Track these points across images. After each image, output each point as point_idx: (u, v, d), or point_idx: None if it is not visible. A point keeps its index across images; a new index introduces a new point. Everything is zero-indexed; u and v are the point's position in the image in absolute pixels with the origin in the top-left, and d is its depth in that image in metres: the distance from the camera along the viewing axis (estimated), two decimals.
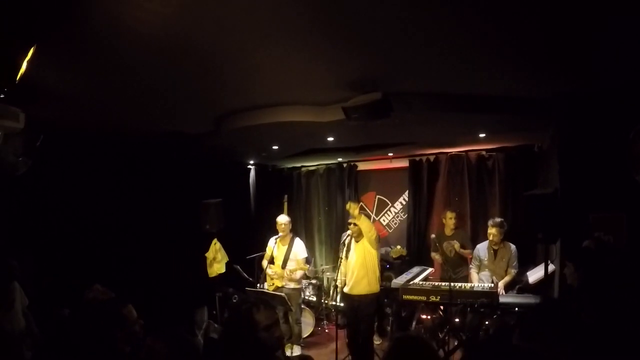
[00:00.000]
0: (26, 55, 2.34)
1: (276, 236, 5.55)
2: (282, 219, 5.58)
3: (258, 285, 5.76)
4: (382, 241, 5.55)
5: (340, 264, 4.71)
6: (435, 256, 5.78)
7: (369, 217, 4.84)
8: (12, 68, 2.34)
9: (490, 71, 3.26)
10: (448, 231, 5.81)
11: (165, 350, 1.74)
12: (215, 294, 5.91)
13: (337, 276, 4.86)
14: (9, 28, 2.21)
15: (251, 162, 7.81)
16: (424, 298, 4.73)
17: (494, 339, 2.71)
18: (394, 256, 6.21)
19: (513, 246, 5.07)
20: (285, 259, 5.47)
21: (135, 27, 2.42)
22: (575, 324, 2.04)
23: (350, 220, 4.72)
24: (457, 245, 5.54)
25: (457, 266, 5.58)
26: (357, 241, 4.71)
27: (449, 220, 5.79)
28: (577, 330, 1.99)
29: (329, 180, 7.91)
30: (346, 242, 4.79)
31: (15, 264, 3.53)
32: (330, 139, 5.48)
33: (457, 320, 5.09)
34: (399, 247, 6.38)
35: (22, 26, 2.25)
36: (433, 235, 5.71)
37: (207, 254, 5.97)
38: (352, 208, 4.62)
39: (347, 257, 4.75)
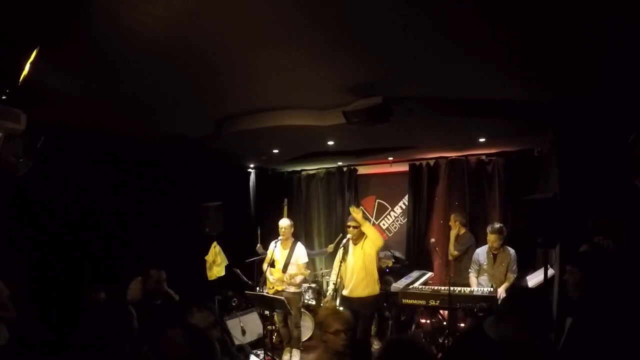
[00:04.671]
0: (29, 57, 2.35)
1: (277, 240, 5.54)
2: (283, 223, 5.58)
3: (257, 288, 5.76)
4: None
5: (339, 267, 4.70)
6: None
7: (368, 220, 4.83)
8: (14, 70, 2.35)
9: (490, 76, 3.27)
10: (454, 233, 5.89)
11: (184, 341, 1.75)
12: (214, 297, 5.90)
13: (334, 278, 4.86)
14: (12, 30, 2.22)
15: (251, 165, 7.82)
16: (423, 302, 4.74)
17: (470, 330, 2.76)
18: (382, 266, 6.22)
19: (512, 251, 5.07)
20: (286, 263, 5.46)
21: (138, 30, 2.44)
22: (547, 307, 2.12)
23: (349, 224, 4.71)
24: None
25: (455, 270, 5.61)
26: (355, 244, 4.71)
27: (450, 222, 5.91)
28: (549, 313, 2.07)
29: (329, 184, 7.91)
30: (344, 244, 4.80)
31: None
32: (331, 142, 5.50)
33: (456, 324, 5.09)
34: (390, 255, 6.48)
35: (25, 28, 2.27)
36: (433, 240, 5.71)
37: (206, 257, 5.97)
38: (355, 212, 4.62)
39: (345, 259, 4.74)
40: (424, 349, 1.80)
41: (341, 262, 4.72)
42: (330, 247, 6.84)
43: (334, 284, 4.88)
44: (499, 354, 1.69)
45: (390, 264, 6.30)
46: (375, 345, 5.41)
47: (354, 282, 4.64)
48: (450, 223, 5.92)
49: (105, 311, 2.24)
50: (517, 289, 4.34)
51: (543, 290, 3.76)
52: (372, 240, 4.62)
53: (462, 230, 5.81)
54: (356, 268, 4.64)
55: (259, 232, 6.45)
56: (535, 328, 1.99)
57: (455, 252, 5.70)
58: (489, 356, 1.71)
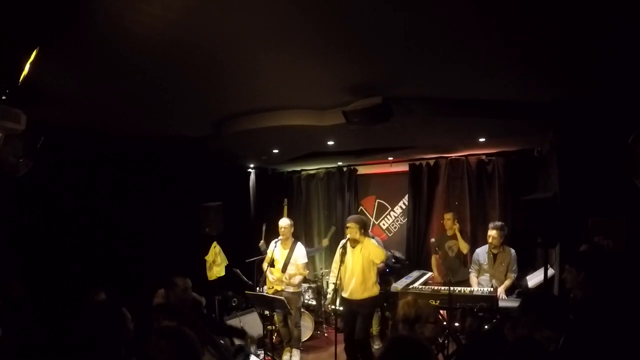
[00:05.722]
0: (29, 57, 2.35)
1: (276, 239, 5.55)
2: (283, 223, 5.58)
3: (257, 288, 5.76)
4: (381, 245, 5.53)
5: (339, 268, 4.70)
6: (435, 257, 5.81)
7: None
8: (14, 70, 2.35)
9: (490, 76, 3.28)
10: (449, 232, 5.83)
11: (170, 347, 1.76)
12: (214, 298, 5.90)
13: (333, 279, 4.88)
14: (12, 30, 2.22)
15: (251, 165, 7.82)
16: None
17: (487, 332, 2.81)
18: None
19: (512, 250, 5.07)
20: (286, 263, 5.47)
21: (137, 30, 2.44)
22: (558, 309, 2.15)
23: (348, 225, 4.71)
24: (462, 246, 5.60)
25: (457, 269, 5.59)
26: (353, 247, 4.70)
27: (447, 221, 5.84)
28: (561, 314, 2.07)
29: (329, 184, 7.91)
30: (343, 245, 4.79)
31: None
32: (331, 142, 5.50)
33: (456, 324, 5.08)
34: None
35: (25, 28, 2.27)
36: (432, 240, 5.71)
37: (206, 257, 5.97)
38: (353, 232, 4.58)
39: (343, 261, 4.73)
40: (426, 347, 1.80)
41: (340, 263, 4.70)
42: (325, 241, 6.84)
43: (333, 284, 4.89)
44: (516, 355, 1.70)
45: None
46: (376, 346, 5.41)
47: (352, 285, 4.64)
48: (447, 222, 5.83)
49: (98, 313, 2.24)
50: (531, 292, 4.33)
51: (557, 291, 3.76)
52: (374, 255, 4.59)
53: (458, 226, 5.82)
54: (355, 272, 4.63)
55: (264, 228, 6.38)
56: (551, 328, 1.99)
57: (468, 246, 5.67)
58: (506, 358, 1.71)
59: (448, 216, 5.85)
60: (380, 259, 4.63)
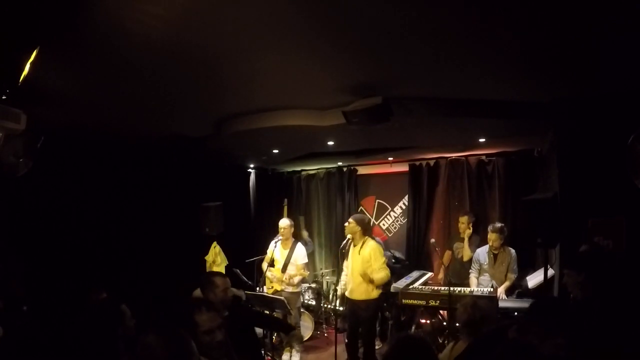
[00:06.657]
0: (29, 57, 2.35)
1: (276, 239, 5.55)
2: (283, 223, 5.58)
3: (257, 288, 5.75)
4: (382, 245, 5.53)
5: (342, 270, 4.71)
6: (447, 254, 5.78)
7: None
8: (15, 70, 2.35)
9: (490, 76, 3.28)
10: (462, 235, 5.80)
11: (161, 344, 1.74)
12: None
13: (337, 282, 4.88)
14: (12, 30, 2.22)
15: (251, 165, 7.82)
16: (423, 302, 4.73)
17: (492, 334, 2.81)
18: None
19: (513, 251, 5.07)
20: (286, 263, 5.47)
21: (138, 30, 2.44)
22: (568, 318, 2.12)
23: (348, 221, 4.72)
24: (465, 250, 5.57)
25: (460, 273, 5.56)
26: (354, 245, 4.70)
27: (461, 224, 5.78)
28: (570, 323, 2.07)
29: (329, 184, 7.91)
30: (346, 246, 4.79)
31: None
32: (331, 143, 5.50)
33: (457, 324, 5.07)
34: None
35: (25, 28, 2.27)
36: (433, 240, 5.70)
37: (206, 257, 5.97)
38: (350, 229, 4.62)
39: (346, 259, 4.74)
40: (431, 347, 1.81)
41: (342, 265, 4.71)
42: (304, 233, 7.13)
43: (334, 284, 4.89)
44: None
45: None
46: (377, 345, 5.40)
47: (352, 285, 4.65)
48: (461, 225, 5.76)
49: (95, 310, 2.24)
50: (542, 300, 4.30)
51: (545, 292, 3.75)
52: (371, 270, 4.53)
53: (470, 231, 5.78)
54: (354, 272, 4.63)
55: (285, 202, 6.66)
56: (563, 336, 1.97)
57: (471, 254, 5.63)
58: None
59: (463, 219, 5.78)
60: (386, 278, 4.52)
